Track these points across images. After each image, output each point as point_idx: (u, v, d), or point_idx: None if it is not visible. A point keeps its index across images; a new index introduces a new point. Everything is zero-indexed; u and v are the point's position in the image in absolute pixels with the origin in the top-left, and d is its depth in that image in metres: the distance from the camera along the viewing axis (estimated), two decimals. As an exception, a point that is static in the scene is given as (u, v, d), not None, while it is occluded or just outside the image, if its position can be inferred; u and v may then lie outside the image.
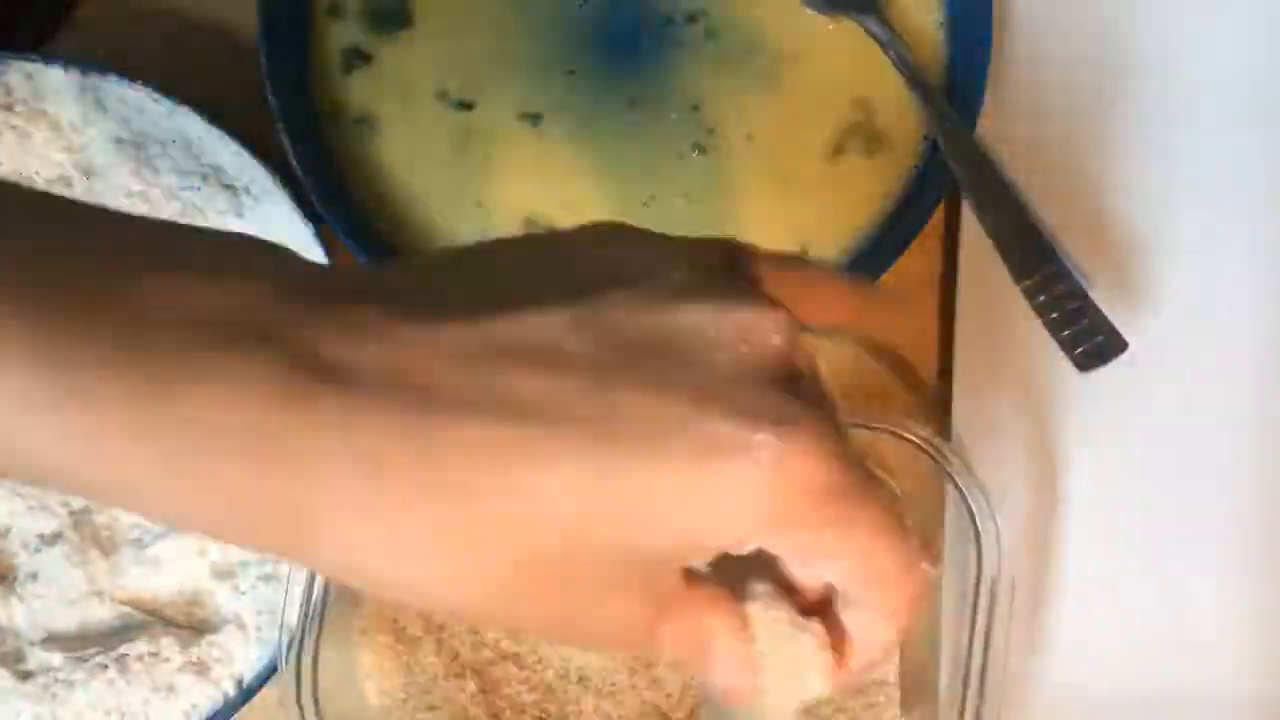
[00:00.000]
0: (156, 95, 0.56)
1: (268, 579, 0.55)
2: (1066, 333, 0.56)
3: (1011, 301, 0.59)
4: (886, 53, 0.58)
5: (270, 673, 0.55)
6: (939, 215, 0.61)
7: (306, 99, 0.58)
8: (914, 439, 0.54)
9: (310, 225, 0.56)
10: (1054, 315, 0.56)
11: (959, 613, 0.55)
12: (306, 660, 0.50)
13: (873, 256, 0.58)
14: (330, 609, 0.51)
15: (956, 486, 0.53)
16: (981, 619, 0.52)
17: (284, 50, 0.56)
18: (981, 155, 0.57)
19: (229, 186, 0.57)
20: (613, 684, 0.56)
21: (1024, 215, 0.57)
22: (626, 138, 0.59)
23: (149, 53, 0.58)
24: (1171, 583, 0.59)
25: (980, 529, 0.53)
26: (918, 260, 0.60)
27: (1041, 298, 0.56)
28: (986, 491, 0.53)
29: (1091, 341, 0.56)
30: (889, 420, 0.54)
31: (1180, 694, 0.59)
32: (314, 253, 0.57)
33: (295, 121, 0.56)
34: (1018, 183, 0.58)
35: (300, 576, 0.50)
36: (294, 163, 0.55)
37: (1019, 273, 0.56)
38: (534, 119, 0.59)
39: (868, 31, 0.58)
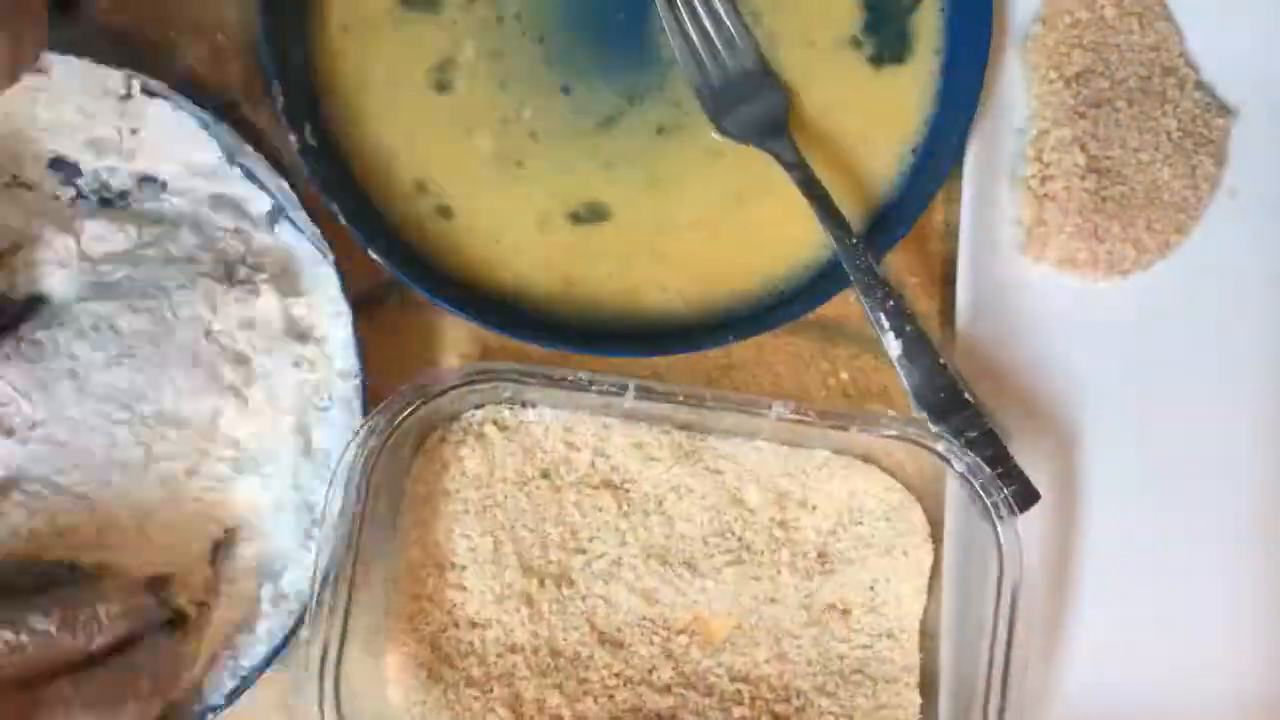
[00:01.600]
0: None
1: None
2: (980, 482, 0.54)
3: (1011, 303, 0.59)
4: (800, 186, 0.57)
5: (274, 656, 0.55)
6: (939, 216, 0.61)
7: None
8: (935, 449, 0.54)
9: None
10: (967, 464, 0.54)
11: (966, 613, 0.55)
12: (331, 660, 0.50)
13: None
14: (356, 609, 0.51)
15: (978, 492, 0.53)
16: (1003, 623, 0.52)
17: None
18: (899, 300, 0.56)
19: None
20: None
21: (940, 370, 0.55)
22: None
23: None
24: (1186, 589, 0.59)
25: (1001, 534, 0.53)
26: (918, 260, 0.61)
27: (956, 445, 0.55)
28: (1009, 497, 0.53)
29: (1006, 490, 0.54)
30: (898, 426, 0.54)
31: (1195, 699, 0.59)
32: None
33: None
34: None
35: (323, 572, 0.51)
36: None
37: (934, 420, 0.55)
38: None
39: (780, 161, 0.57)
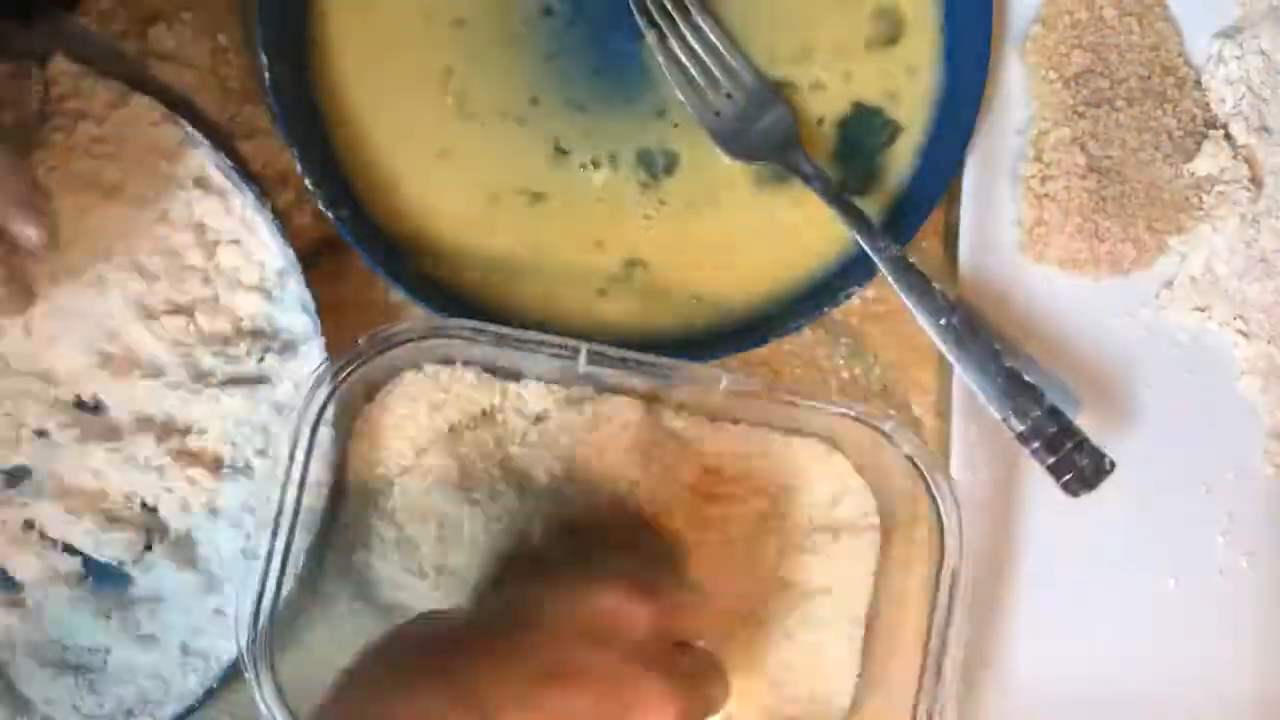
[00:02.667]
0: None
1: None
2: (1051, 461, 0.55)
3: (1010, 299, 0.60)
4: (822, 196, 0.58)
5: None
6: (939, 216, 0.61)
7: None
8: (881, 428, 0.53)
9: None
10: (1036, 444, 0.55)
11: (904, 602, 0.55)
12: (265, 610, 0.50)
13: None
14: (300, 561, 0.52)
15: (919, 470, 0.53)
16: (942, 606, 0.52)
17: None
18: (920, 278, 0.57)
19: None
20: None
21: (995, 358, 0.56)
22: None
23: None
24: (1134, 580, 0.59)
25: (944, 516, 0.52)
26: (917, 259, 0.60)
27: (1021, 427, 0.55)
28: (950, 477, 0.53)
29: (1077, 468, 0.55)
30: (845, 405, 0.54)
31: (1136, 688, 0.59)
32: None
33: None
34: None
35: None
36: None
37: (997, 407, 0.56)
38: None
39: (798, 174, 0.58)
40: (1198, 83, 0.61)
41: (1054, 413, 0.55)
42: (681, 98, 0.59)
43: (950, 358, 0.56)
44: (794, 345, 0.60)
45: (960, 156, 0.60)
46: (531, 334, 0.53)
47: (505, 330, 0.53)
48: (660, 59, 0.59)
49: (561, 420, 0.56)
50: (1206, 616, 0.59)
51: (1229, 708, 0.59)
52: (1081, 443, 0.55)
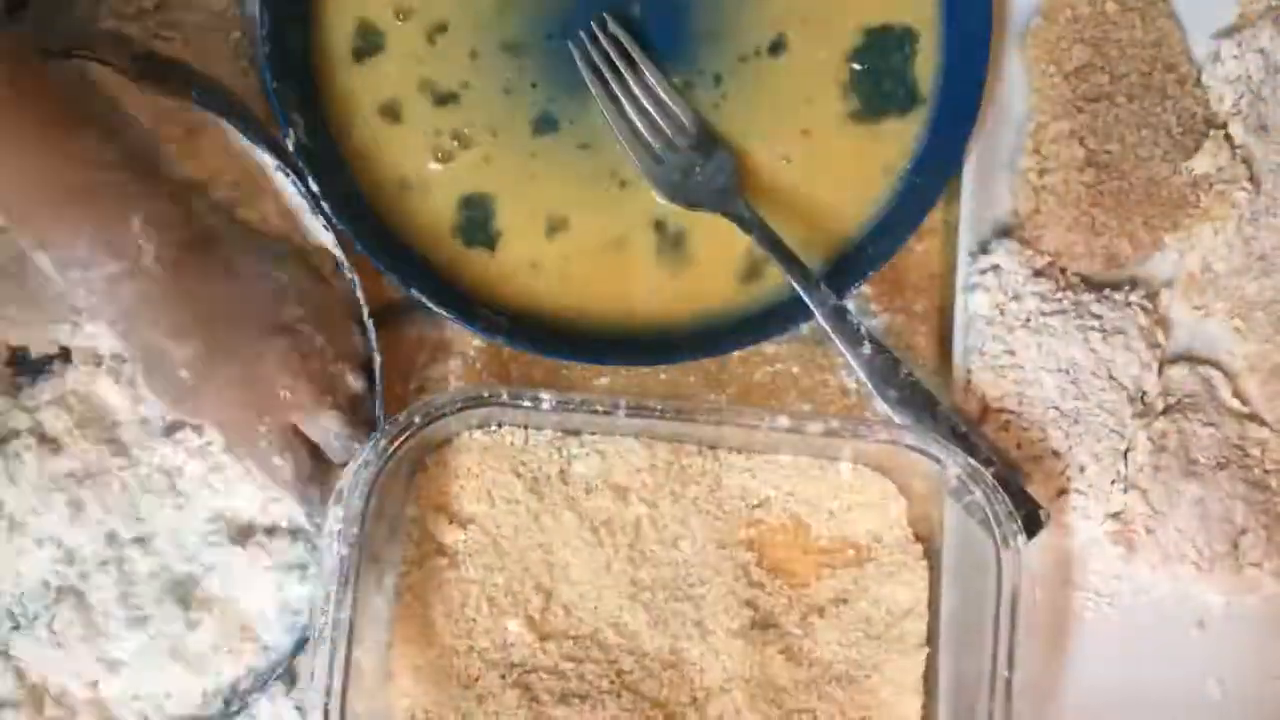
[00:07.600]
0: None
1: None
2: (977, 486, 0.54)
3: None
4: (759, 243, 0.57)
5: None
6: (938, 215, 0.61)
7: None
8: (931, 453, 0.54)
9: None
10: (969, 499, 0.54)
11: (965, 621, 0.55)
12: (336, 690, 0.50)
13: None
14: (360, 633, 0.51)
15: (974, 495, 0.53)
16: (1004, 629, 0.52)
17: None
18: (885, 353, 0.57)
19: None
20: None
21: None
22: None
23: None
24: (1187, 590, 0.60)
25: (1000, 541, 0.53)
26: (917, 259, 0.61)
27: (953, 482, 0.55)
28: (1008, 504, 0.53)
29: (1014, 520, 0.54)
30: (894, 432, 0.55)
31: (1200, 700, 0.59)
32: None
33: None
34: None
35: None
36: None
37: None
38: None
39: (737, 221, 0.57)
40: (1198, 81, 0.61)
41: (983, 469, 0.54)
42: (630, 152, 0.58)
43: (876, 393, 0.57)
44: (793, 345, 0.60)
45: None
46: (573, 395, 0.53)
47: (542, 394, 0.53)
48: (608, 115, 0.58)
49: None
50: (1206, 616, 0.59)
51: (1229, 709, 0.59)
52: (1017, 493, 0.55)
